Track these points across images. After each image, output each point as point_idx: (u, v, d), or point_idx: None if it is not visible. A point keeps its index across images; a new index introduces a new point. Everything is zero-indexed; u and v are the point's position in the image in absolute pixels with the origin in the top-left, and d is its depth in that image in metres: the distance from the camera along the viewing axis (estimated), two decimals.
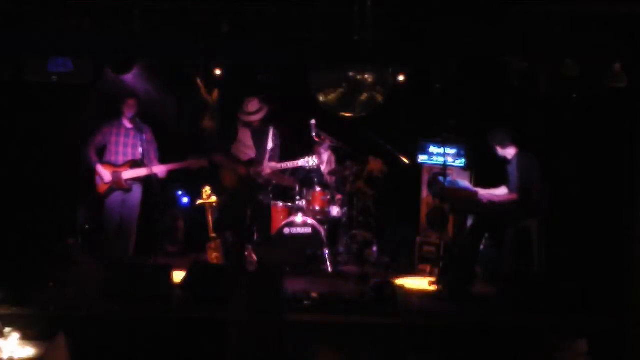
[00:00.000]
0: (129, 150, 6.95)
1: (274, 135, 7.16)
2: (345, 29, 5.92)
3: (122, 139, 6.92)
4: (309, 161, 7.17)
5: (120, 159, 6.91)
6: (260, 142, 7.10)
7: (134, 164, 6.92)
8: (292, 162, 7.29)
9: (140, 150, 6.89)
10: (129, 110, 6.89)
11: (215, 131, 8.12)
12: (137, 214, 7.08)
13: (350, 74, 7.21)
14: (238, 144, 7.06)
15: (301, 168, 7.56)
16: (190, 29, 6.03)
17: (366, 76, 7.23)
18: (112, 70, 6.78)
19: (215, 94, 8.08)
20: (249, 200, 7.19)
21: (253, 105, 6.99)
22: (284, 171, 7.32)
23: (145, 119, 6.94)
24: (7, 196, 7.24)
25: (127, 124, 6.93)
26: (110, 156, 6.90)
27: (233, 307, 4.59)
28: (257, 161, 7.08)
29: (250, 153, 7.07)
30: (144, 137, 6.90)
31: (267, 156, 7.17)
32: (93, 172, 6.88)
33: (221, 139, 7.15)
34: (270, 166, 7.18)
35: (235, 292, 4.92)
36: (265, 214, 7.45)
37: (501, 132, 6.81)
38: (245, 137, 7.07)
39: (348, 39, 5.93)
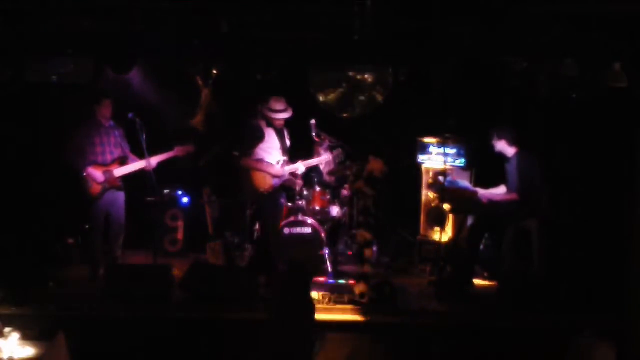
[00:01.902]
0: (113, 148, 6.94)
1: (288, 135, 7.12)
2: (345, 29, 5.92)
3: (104, 139, 6.90)
4: (339, 155, 7.18)
5: (108, 158, 6.90)
6: (283, 142, 7.04)
7: (123, 161, 6.93)
8: (323, 156, 7.26)
9: (122, 146, 6.91)
10: (107, 109, 6.86)
11: (205, 129, 8.11)
12: (124, 213, 7.07)
13: (350, 74, 7.22)
14: (265, 145, 6.95)
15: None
16: (190, 29, 6.03)
17: (366, 76, 7.23)
18: (112, 70, 6.77)
19: (207, 92, 8.06)
20: (279, 201, 7.12)
21: (281, 103, 6.90)
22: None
23: (144, 116, 6.92)
24: (8, 196, 7.24)
25: (105, 122, 6.90)
26: (97, 157, 6.85)
27: (266, 307, 4.58)
28: (286, 161, 7.01)
29: (277, 154, 6.97)
30: (117, 133, 6.91)
31: (289, 156, 7.11)
32: (82, 176, 6.82)
33: (243, 142, 7.02)
34: (304, 163, 7.13)
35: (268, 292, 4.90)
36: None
37: (512, 131, 6.79)
38: (272, 137, 6.97)
39: (348, 39, 5.93)
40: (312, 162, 7.25)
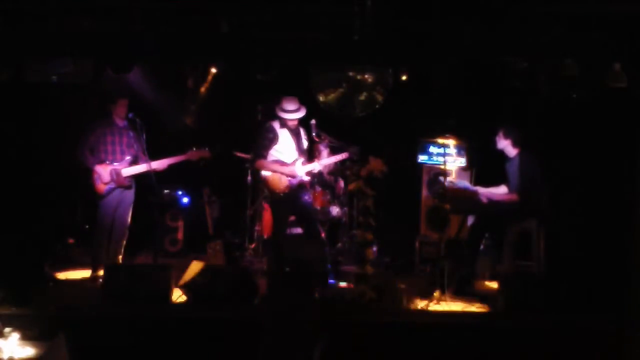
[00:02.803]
0: (125, 148, 6.96)
1: (305, 134, 7.07)
2: (345, 29, 5.91)
3: (117, 138, 6.93)
4: (356, 152, 7.15)
5: (118, 157, 6.92)
6: (299, 142, 6.99)
7: (133, 160, 6.95)
8: (340, 155, 7.22)
9: (136, 147, 6.92)
10: (123, 109, 6.89)
11: (201, 128, 8.11)
12: (130, 215, 7.07)
13: (350, 74, 7.20)
14: (279, 146, 6.89)
15: None
16: (190, 29, 6.02)
17: (366, 76, 7.22)
18: (112, 71, 6.77)
19: (201, 92, 8.06)
20: (299, 200, 7.07)
21: (293, 103, 6.85)
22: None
23: (146, 116, 6.93)
24: (7, 196, 7.24)
25: (120, 122, 6.93)
26: (107, 155, 6.89)
27: (268, 306, 4.58)
28: (302, 161, 6.97)
29: (292, 155, 6.91)
30: (131, 134, 6.93)
31: (306, 156, 7.05)
32: (90, 173, 6.83)
33: (256, 144, 6.97)
34: (320, 163, 7.08)
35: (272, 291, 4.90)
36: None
37: (519, 132, 6.78)
38: (287, 138, 6.91)
39: (348, 39, 5.93)
40: (329, 160, 7.22)
